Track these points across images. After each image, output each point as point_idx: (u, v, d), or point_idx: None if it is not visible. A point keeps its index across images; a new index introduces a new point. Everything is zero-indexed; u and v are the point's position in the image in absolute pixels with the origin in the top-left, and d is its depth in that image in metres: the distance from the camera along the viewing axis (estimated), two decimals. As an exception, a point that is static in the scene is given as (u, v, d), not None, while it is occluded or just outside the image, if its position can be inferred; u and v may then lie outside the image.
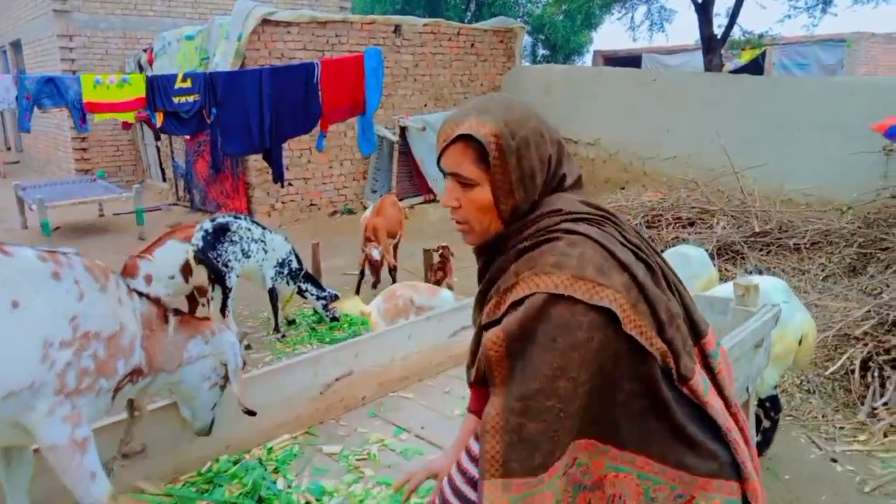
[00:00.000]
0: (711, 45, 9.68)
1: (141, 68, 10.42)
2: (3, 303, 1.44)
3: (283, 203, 8.82)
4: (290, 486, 2.03)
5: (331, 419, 2.46)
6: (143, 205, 8.29)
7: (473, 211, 1.18)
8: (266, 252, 4.83)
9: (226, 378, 2.05)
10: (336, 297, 5.13)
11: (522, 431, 1.01)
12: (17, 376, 1.45)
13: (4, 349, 1.43)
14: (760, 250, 6.14)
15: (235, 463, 2.11)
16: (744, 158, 7.40)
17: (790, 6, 9.70)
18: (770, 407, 3.17)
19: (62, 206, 8.03)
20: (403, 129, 9.14)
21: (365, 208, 9.30)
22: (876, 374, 3.71)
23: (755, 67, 15.23)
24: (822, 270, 5.67)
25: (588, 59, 22.38)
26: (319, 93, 6.08)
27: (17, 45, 14.56)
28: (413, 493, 1.44)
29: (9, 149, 17.13)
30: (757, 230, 6.16)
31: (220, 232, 4.61)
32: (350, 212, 9.29)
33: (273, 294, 4.90)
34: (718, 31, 9.67)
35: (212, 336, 2.03)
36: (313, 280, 5.21)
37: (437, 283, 5.53)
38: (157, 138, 10.73)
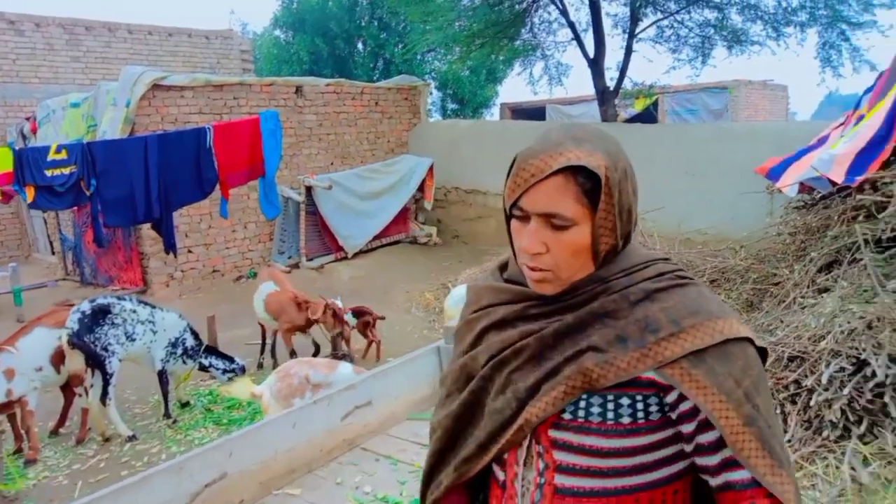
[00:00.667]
0: (605, 97, 10.12)
1: (24, 138, 9.80)
2: None
3: (182, 272, 8.34)
4: None
5: (204, 530, 2.17)
6: (21, 283, 7.61)
7: (565, 256, 1.04)
8: (155, 333, 4.50)
9: None
10: (243, 369, 4.82)
11: (786, 462, 1.00)
12: None
13: None
14: (665, 291, 6.28)
15: None
16: (643, 203, 7.65)
17: (674, 58, 10.34)
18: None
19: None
20: (309, 189, 8.94)
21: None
22: (777, 410, 3.76)
23: (648, 115, 16.18)
24: (722, 307, 5.83)
25: (496, 111, 23.15)
26: (214, 157, 5.84)
27: None
28: None
29: None
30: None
31: (100, 314, 4.24)
32: (255, 276, 8.90)
33: (163, 376, 4.53)
34: (611, 83, 10.15)
35: None
36: (217, 353, 4.88)
37: (334, 339, 5.36)
38: (43, 210, 10.03)
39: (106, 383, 4.18)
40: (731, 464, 0.99)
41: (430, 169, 9.92)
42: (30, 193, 4.97)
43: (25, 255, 10.98)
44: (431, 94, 21.31)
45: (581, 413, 1.03)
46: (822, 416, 3.57)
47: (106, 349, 4.15)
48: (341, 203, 9.18)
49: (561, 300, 1.08)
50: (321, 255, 9.27)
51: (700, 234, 7.44)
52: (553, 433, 1.04)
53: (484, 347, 1.14)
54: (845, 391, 3.46)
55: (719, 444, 0.99)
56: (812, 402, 3.55)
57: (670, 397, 1.01)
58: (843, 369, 3.53)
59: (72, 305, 4.33)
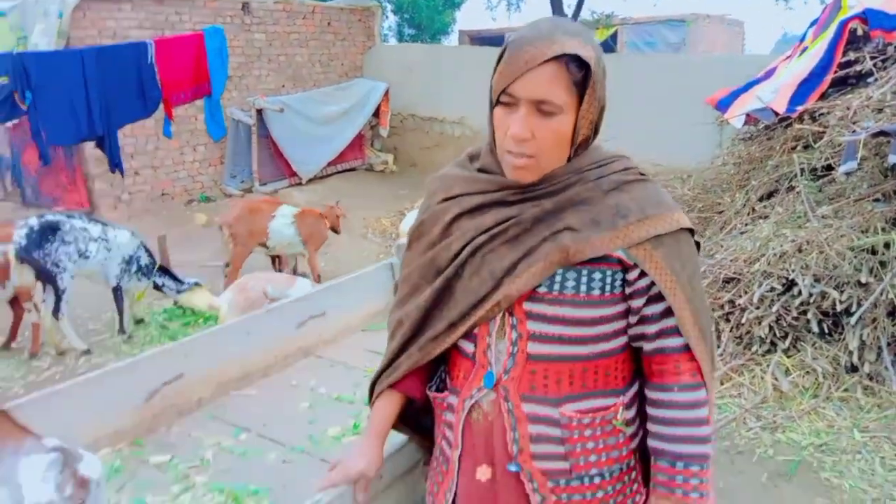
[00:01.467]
0: (563, 25, 10.04)
1: (-52, 49, 9.12)
2: None
3: (130, 194, 8.10)
4: (107, 508, 1.81)
5: (161, 427, 2.23)
6: (-42, 204, 7.28)
7: (549, 143, 1.12)
8: (109, 251, 4.45)
9: None
10: (198, 286, 4.81)
11: (708, 337, 1.17)
12: None
13: None
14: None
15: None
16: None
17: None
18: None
19: None
20: (260, 112, 8.69)
21: (227, 196, 8.81)
22: (713, 328, 4.01)
23: (606, 46, 16.10)
24: (668, 234, 6.07)
25: (454, 38, 22.65)
26: (157, 74, 5.62)
27: None
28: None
29: None
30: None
31: (49, 230, 4.16)
32: (208, 199, 8.73)
33: (118, 293, 4.52)
34: (569, 11, 10.05)
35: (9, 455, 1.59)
36: (169, 273, 4.85)
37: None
38: (-25, 128, 9.49)
39: (58, 299, 4.19)
40: (666, 332, 1.16)
41: (386, 94, 9.72)
42: (-41, 105, 4.72)
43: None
44: (387, 17, 20.63)
45: (556, 286, 1.14)
46: (752, 332, 3.82)
47: (57, 265, 4.11)
48: (294, 127, 8.97)
49: (538, 188, 1.16)
50: (275, 181, 9.12)
51: (653, 166, 7.62)
52: (528, 305, 1.15)
53: (458, 235, 1.21)
54: (773, 309, 3.71)
55: (662, 315, 1.16)
56: (744, 320, 3.79)
57: (631, 274, 1.15)
58: (773, 289, 3.78)
59: (11, 226, 4.23)
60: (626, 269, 1.15)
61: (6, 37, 7.82)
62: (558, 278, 1.14)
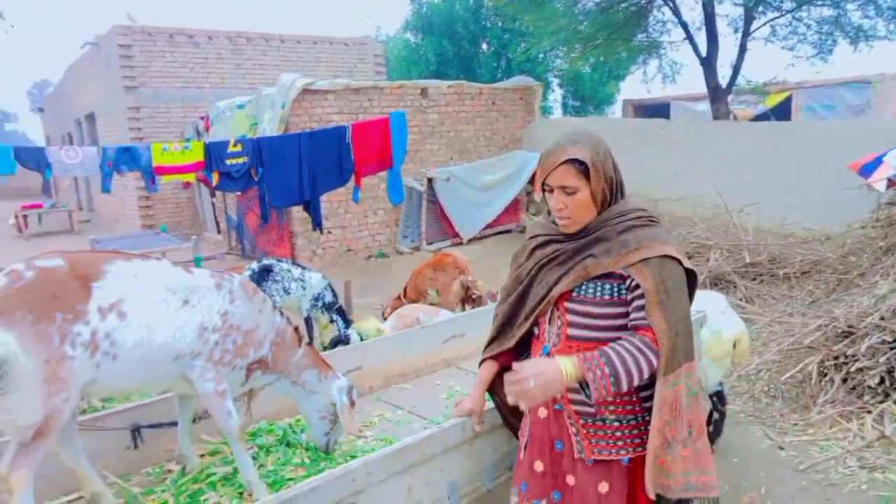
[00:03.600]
0: (717, 95, 10.34)
1: (199, 134, 11.69)
2: (179, 301, 2.23)
3: (323, 249, 9.75)
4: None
5: (345, 403, 3.18)
6: (200, 254, 9.32)
7: (577, 209, 1.80)
8: (304, 289, 5.66)
9: (335, 415, 2.56)
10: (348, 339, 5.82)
11: (672, 328, 1.70)
12: (182, 345, 2.22)
13: (177, 329, 2.20)
14: (753, 279, 6.67)
15: (271, 426, 2.86)
16: (746, 197, 7.97)
17: (793, 56, 10.34)
18: (717, 401, 3.74)
19: (131, 257, 9.12)
20: (430, 180, 10.03)
21: (399, 253, 10.16)
22: (826, 378, 4.24)
23: (783, 111, 15.70)
24: (810, 296, 6.17)
25: (618, 107, 23.21)
26: (351, 151, 7.01)
27: (91, 118, 16.29)
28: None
29: (81, 209, 18.82)
30: (748, 261, 6.70)
31: (265, 272, 5.48)
32: (383, 255, 10.14)
33: (308, 322, 5.70)
34: (723, 81, 10.35)
35: (324, 377, 2.60)
36: (343, 315, 5.98)
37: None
38: (213, 195, 11.93)
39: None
40: (643, 317, 1.77)
41: (541, 163, 10.63)
42: (215, 178, 6.38)
43: (197, 233, 13.02)
44: (552, 91, 21.82)
45: (582, 292, 1.84)
46: (864, 382, 4.02)
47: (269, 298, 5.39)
48: (458, 194, 10.19)
49: (578, 235, 1.90)
50: (440, 240, 10.35)
51: (804, 230, 7.65)
52: (566, 304, 1.87)
53: (532, 260, 1.99)
54: (881, 360, 3.90)
55: (643, 308, 1.78)
56: (853, 369, 4.02)
57: (627, 282, 1.81)
58: (884, 342, 3.97)
59: (240, 269, 5.61)
60: (624, 280, 1.80)
61: (242, 123, 9.99)
62: (583, 287, 1.82)
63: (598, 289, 1.81)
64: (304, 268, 5.77)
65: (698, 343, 3.27)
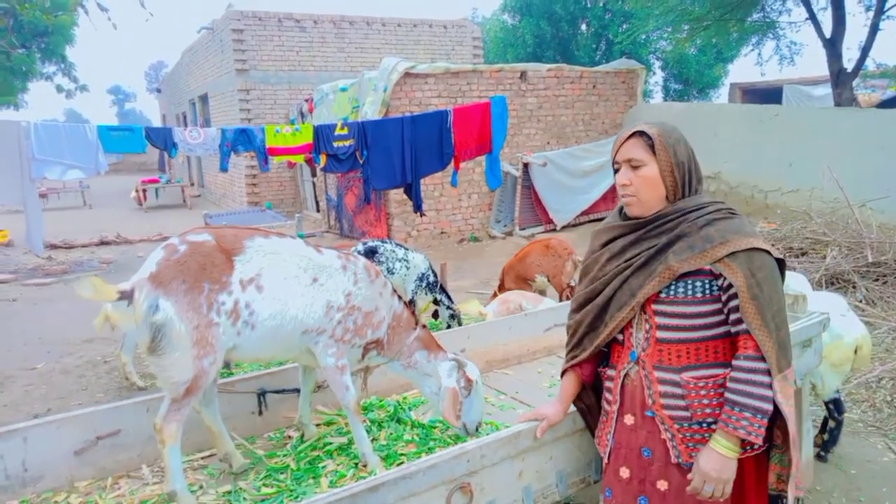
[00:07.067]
0: (841, 79, 9.63)
1: (303, 115, 12.15)
2: (309, 279, 2.38)
3: (417, 231, 9.94)
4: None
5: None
6: (303, 231, 9.75)
7: (642, 185, 1.73)
8: (408, 269, 5.79)
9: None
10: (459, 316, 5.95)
11: (772, 326, 1.63)
12: (311, 321, 2.37)
13: (307, 305, 2.35)
14: (875, 280, 6.21)
15: (381, 401, 2.98)
16: (870, 191, 7.41)
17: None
18: (834, 408, 3.54)
19: (240, 231, 9.72)
20: (526, 165, 9.97)
21: (491, 237, 10.20)
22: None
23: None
24: (942, 301, 5.68)
25: (724, 91, 22.08)
26: (452, 136, 7.08)
27: (204, 98, 17.28)
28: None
29: (192, 184, 20.08)
30: (871, 260, 6.24)
31: (371, 253, 5.65)
32: (476, 239, 10.21)
33: (412, 304, 5.85)
34: (849, 64, 9.61)
35: (433, 358, 2.63)
36: (446, 293, 6.09)
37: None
38: (314, 175, 12.39)
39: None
40: (741, 320, 1.66)
41: (642, 150, 10.31)
42: (323, 159, 6.63)
43: (298, 210, 13.61)
44: (654, 73, 21.02)
45: (671, 292, 1.74)
46: None
47: (375, 279, 5.58)
48: (554, 179, 10.08)
49: (655, 223, 1.78)
50: (532, 226, 10.29)
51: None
52: (655, 306, 1.80)
53: (609, 268, 1.88)
54: None
55: (738, 309, 1.69)
56: None
57: (720, 281, 1.73)
58: None
59: (347, 247, 5.82)
60: (716, 277, 1.69)
61: (345, 106, 10.30)
62: (672, 287, 1.72)
63: (689, 287, 1.72)
64: (406, 248, 5.91)
65: (820, 346, 3.11)
